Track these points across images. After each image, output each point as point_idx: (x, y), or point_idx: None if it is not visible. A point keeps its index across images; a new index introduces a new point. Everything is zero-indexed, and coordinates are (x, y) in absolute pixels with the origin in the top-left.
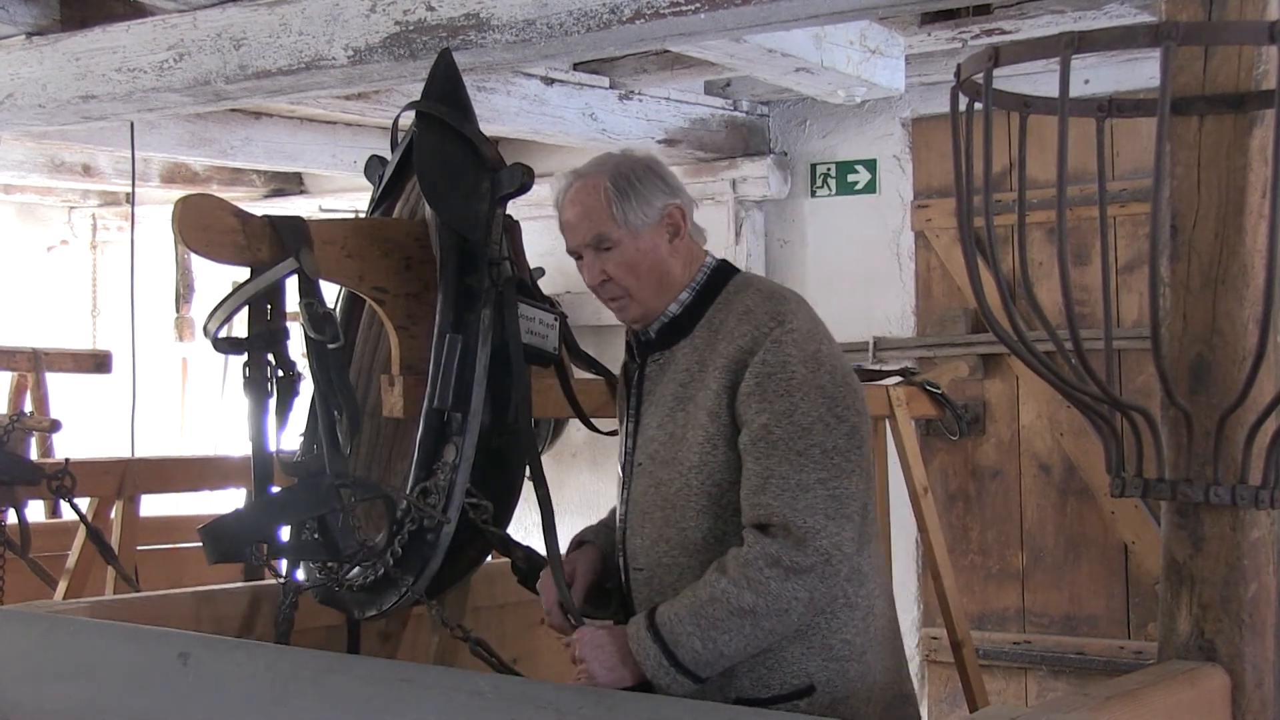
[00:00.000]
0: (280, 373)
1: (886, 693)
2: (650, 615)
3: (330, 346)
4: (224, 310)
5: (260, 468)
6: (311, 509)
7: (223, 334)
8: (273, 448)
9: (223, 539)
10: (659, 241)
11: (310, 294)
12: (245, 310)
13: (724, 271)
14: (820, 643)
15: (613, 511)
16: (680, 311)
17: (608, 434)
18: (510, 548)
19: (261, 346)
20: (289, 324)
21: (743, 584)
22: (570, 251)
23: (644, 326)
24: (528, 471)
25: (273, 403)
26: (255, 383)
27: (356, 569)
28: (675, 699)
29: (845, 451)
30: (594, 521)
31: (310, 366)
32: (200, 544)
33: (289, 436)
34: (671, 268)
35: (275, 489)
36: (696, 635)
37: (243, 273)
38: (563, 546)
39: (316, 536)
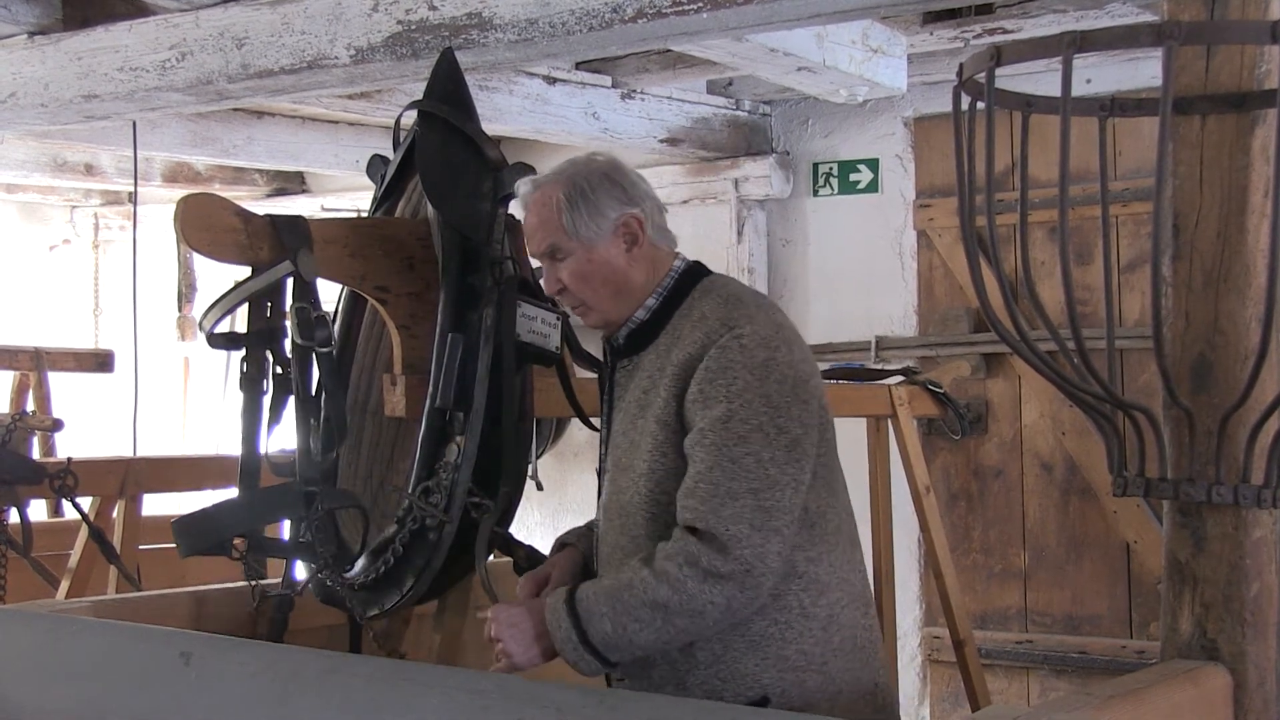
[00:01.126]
0: (278, 370)
1: (855, 703)
2: (571, 591)
3: (321, 351)
4: (220, 308)
5: (247, 465)
6: (277, 513)
7: (220, 330)
8: (264, 445)
9: (192, 534)
10: (614, 252)
11: (305, 297)
12: (246, 308)
13: (693, 274)
14: (775, 654)
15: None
16: (648, 317)
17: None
18: (512, 547)
19: (259, 343)
20: (289, 322)
21: (661, 577)
22: (532, 257)
23: (611, 333)
24: (530, 470)
25: (267, 400)
26: (251, 379)
27: (357, 569)
28: (677, 699)
29: (782, 464)
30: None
31: (292, 371)
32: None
33: (284, 434)
34: (630, 277)
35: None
36: (609, 617)
37: (245, 272)
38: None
39: (316, 538)
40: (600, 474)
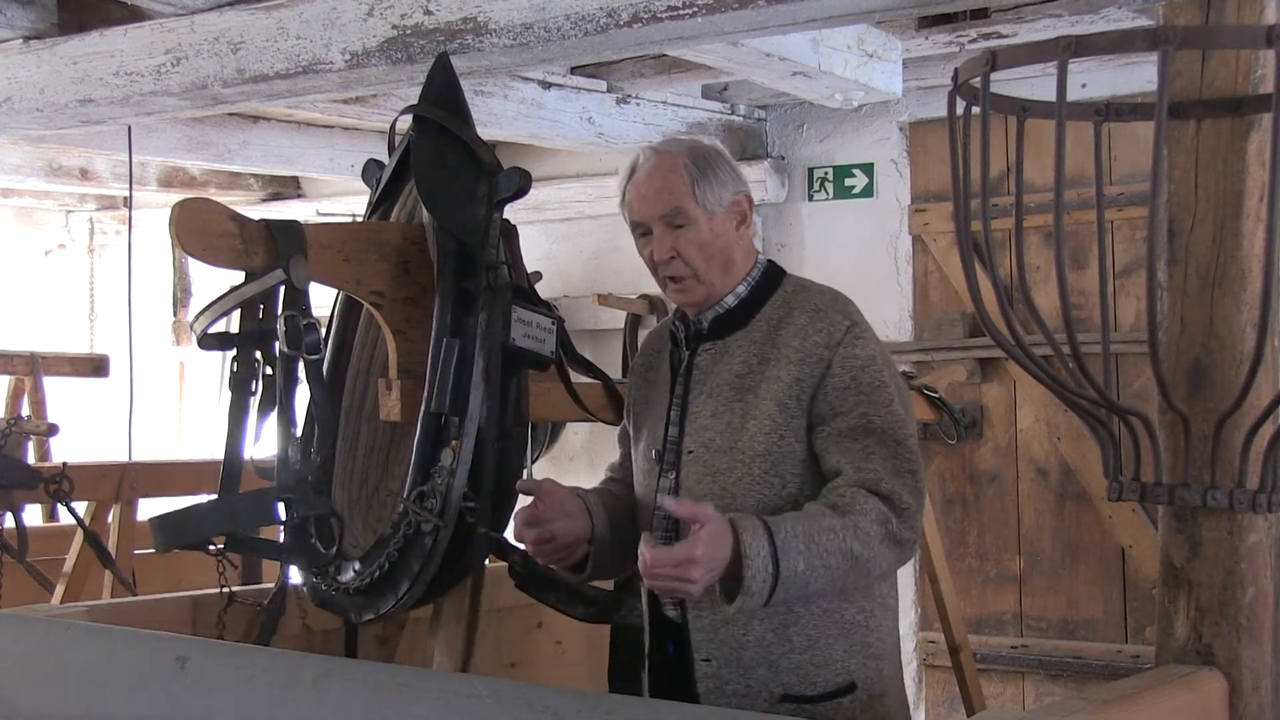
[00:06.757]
0: (268, 370)
1: (900, 692)
2: (765, 522)
3: (309, 358)
4: (211, 313)
5: (229, 467)
6: (253, 519)
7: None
8: (248, 447)
9: (169, 532)
10: (728, 226)
11: (295, 305)
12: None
13: (775, 270)
14: (860, 640)
15: (604, 482)
16: (736, 304)
17: (612, 423)
18: (508, 551)
19: (249, 344)
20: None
21: (852, 529)
22: (635, 224)
23: (698, 313)
24: (525, 475)
25: (255, 401)
26: (240, 380)
27: (352, 573)
28: (673, 703)
29: (916, 449)
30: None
31: (276, 378)
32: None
33: (271, 436)
34: (736, 255)
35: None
36: (804, 556)
37: (240, 277)
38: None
39: (294, 545)
40: (668, 455)
